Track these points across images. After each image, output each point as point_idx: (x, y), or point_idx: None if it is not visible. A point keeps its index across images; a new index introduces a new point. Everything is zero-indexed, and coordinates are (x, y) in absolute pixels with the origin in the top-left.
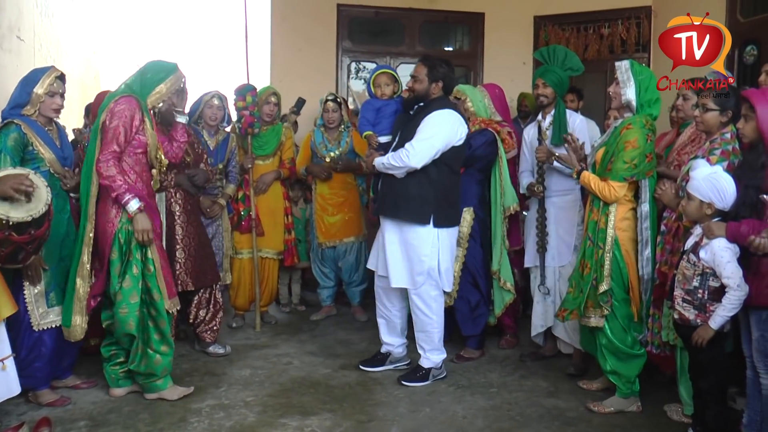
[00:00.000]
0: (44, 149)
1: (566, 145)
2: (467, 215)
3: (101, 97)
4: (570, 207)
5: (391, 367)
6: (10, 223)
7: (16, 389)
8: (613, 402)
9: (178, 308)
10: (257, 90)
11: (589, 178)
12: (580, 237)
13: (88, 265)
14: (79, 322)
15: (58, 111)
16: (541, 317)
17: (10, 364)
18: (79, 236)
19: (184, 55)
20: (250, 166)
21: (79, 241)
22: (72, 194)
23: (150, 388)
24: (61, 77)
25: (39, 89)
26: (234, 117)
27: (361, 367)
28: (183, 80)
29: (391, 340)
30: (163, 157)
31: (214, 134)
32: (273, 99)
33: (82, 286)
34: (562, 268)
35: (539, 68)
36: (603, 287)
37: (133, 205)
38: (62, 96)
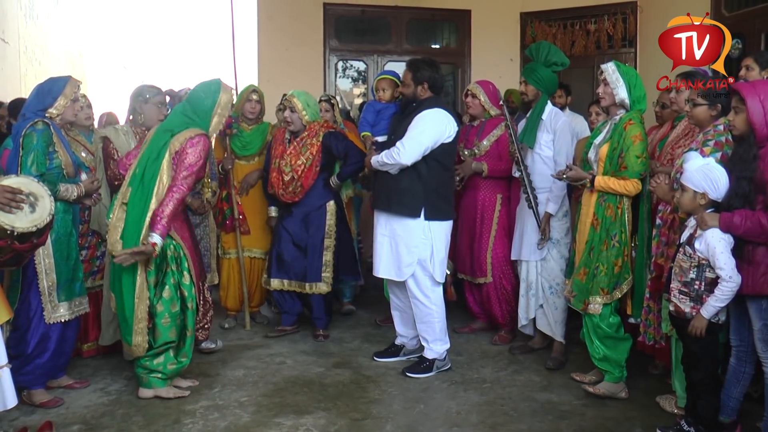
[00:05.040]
0: (62, 151)
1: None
2: (330, 207)
3: None
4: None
5: (404, 358)
6: (15, 233)
7: (11, 402)
8: (604, 385)
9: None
10: (234, 90)
11: (607, 181)
12: (563, 230)
13: (146, 285)
14: (141, 341)
15: (75, 116)
16: (524, 310)
17: (6, 376)
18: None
19: (171, 56)
20: (230, 166)
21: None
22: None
23: (149, 383)
24: (79, 86)
25: (65, 96)
26: None
27: (375, 358)
28: (231, 92)
29: (405, 332)
30: (208, 191)
31: None
32: (254, 96)
33: (140, 306)
34: (544, 262)
35: (526, 65)
36: (627, 280)
37: (158, 240)
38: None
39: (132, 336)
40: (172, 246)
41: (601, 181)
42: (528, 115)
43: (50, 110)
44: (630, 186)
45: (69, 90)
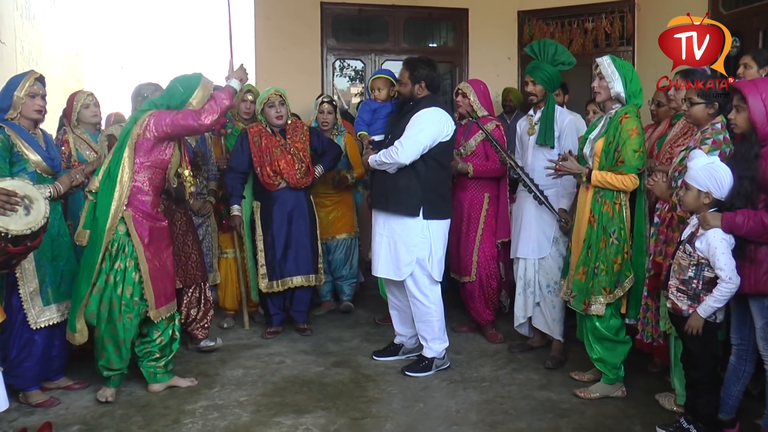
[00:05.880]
0: (30, 151)
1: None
2: (310, 201)
3: (72, 98)
4: (551, 201)
5: (403, 357)
6: (9, 236)
7: (2, 405)
8: (599, 388)
9: (171, 314)
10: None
11: (604, 176)
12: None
13: (105, 275)
14: (82, 327)
15: (39, 112)
16: (522, 308)
17: None
18: (94, 245)
19: (168, 56)
20: (225, 166)
21: (96, 250)
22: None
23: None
24: (41, 79)
25: (19, 92)
26: None
27: (374, 357)
28: (212, 87)
29: (404, 331)
30: (187, 173)
31: None
32: (249, 97)
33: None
34: (542, 260)
35: (529, 64)
36: (629, 278)
37: (235, 84)
38: (43, 98)
39: (76, 321)
40: (120, 239)
41: (598, 175)
42: (541, 115)
43: (9, 112)
44: (627, 181)
45: (25, 84)
